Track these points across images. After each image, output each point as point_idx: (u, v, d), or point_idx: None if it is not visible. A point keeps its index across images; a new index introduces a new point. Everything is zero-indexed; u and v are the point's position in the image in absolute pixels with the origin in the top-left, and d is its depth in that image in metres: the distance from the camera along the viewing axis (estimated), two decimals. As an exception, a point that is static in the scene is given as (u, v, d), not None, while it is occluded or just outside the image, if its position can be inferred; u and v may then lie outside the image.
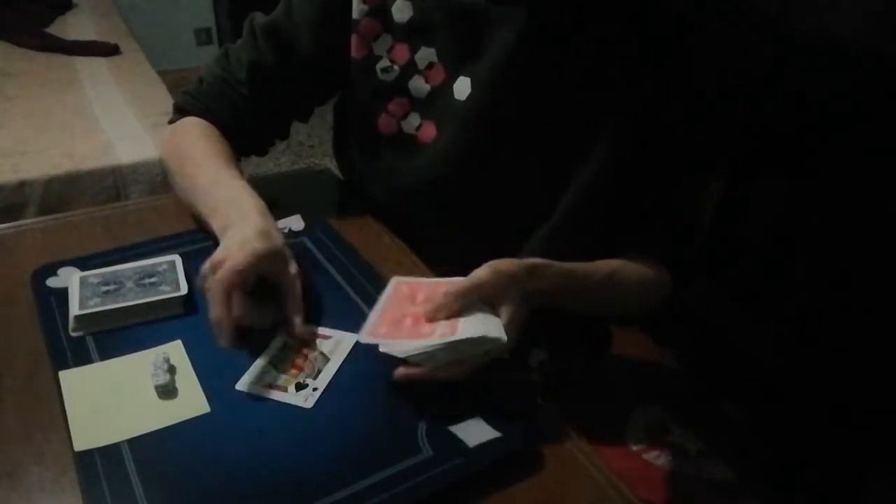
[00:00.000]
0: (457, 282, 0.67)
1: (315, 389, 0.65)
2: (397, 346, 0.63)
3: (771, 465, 1.03)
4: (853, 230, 1.12)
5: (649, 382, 1.08)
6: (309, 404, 0.64)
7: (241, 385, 0.65)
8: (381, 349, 0.63)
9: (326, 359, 0.69)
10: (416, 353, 0.62)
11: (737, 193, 1.30)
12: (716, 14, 0.79)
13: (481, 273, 0.66)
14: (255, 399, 0.65)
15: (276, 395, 0.65)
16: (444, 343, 0.62)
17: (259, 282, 0.71)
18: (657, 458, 0.90)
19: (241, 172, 0.85)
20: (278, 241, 0.73)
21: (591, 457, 0.62)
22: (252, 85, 0.88)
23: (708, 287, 1.33)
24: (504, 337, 0.63)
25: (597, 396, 0.97)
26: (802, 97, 1.16)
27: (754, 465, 0.99)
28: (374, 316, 0.67)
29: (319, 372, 0.67)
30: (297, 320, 0.71)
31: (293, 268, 0.73)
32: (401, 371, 0.64)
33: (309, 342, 0.71)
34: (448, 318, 0.64)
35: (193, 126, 0.89)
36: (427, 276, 0.82)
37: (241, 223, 0.73)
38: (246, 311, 0.69)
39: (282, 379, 0.66)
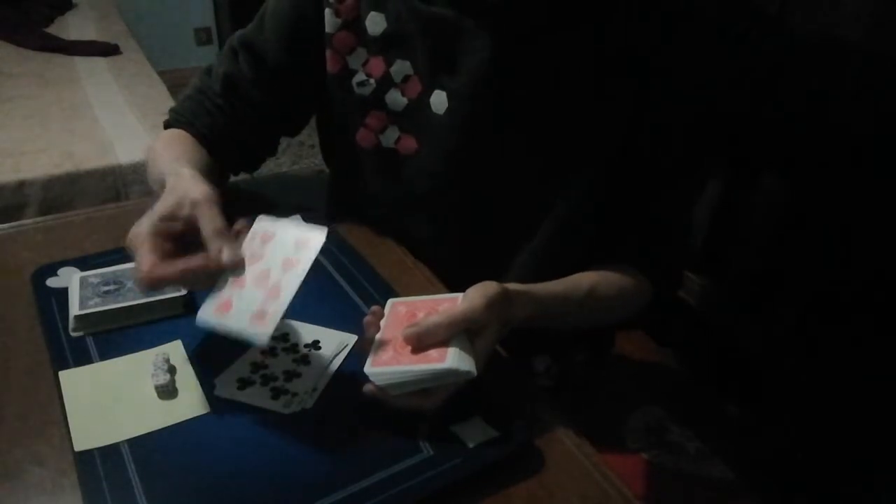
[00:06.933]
0: (452, 299, 0.65)
1: (314, 389, 0.65)
2: (372, 369, 0.61)
3: (771, 465, 1.03)
4: (853, 230, 1.13)
5: (649, 382, 1.09)
6: (308, 404, 0.64)
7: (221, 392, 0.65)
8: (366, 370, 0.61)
9: (326, 358, 0.69)
10: (384, 376, 0.60)
11: (737, 193, 1.30)
12: (705, 16, 0.77)
13: (475, 303, 0.62)
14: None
15: (258, 402, 0.64)
16: (414, 371, 0.59)
17: None
18: (657, 457, 0.90)
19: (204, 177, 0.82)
20: None
21: (591, 457, 0.62)
22: (227, 96, 0.88)
23: (708, 287, 1.34)
24: (475, 372, 0.60)
25: (597, 396, 0.97)
26: (802, 97, 1.17)
27: (754, 465, 0.99)
28: (376, 343, 0.63)
29: (321, 373, 0.67)
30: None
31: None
32: (369, 387, 0.62)
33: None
34: (435, 346, 0.61)
35: (169, 134, 0.89)
36: (426, 276, 0.83)
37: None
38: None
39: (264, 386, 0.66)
